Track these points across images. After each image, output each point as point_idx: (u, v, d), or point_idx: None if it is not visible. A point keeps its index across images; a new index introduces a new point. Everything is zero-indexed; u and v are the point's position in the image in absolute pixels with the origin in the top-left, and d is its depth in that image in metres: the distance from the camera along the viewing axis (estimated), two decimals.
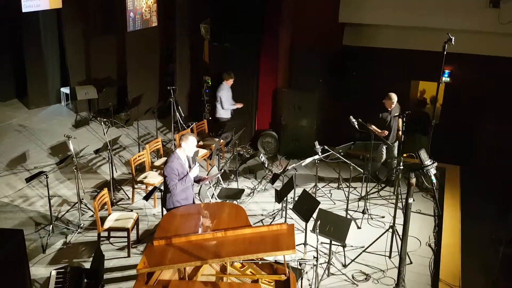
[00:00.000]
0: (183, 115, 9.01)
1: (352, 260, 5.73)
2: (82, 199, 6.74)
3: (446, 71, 8.33)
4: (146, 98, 9.37)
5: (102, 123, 7.43)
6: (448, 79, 8.45)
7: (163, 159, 7.55)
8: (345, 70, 9.07)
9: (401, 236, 4.51)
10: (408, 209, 3.37)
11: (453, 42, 6.17)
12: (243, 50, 8.55)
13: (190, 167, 5.36)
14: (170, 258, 4.16)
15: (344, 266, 5.67)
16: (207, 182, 6.10)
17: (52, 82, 10.07)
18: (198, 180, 5.56)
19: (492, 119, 8.25)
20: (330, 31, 8.56)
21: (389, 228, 5.82)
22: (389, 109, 7.23)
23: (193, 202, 5.51)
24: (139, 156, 7.12)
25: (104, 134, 7.19)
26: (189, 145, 5.26)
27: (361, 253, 5.82)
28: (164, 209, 5.50)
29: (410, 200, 3.36)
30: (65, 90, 10.09)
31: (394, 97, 7.16)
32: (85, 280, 4.27)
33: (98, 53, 9.83)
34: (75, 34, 9.52)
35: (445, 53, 6.30)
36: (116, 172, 7.78)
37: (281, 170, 7.11)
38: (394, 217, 5.73)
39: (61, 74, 10.17)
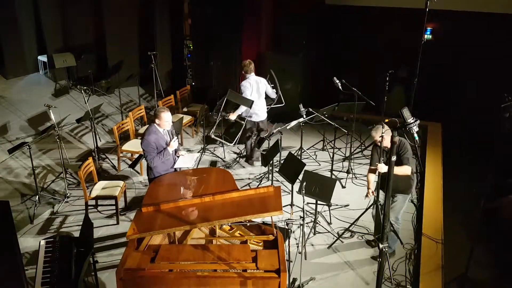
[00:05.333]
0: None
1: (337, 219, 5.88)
2: (67, 168, 6.69)
3: (428, 28, 8.29)
4: (126, 65, 9.17)
5: (83, 91, 7.28)
6: (430, 36, 8.43)
7: (147, 126, 7.49)
8: (328, 30, 8.95)
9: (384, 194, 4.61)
10: (391, 167, 3.42)
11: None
12: (225, 12, 8.34)
13: (172, 138, 5.23)
14: (160, 223, 4.20)
15: (330, 224, 5.81)
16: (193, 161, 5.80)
17: (29, 50, 9.76)
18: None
19: (473, 76, 8.30)
20: None
21: None
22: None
23: None
24: (122, 124, 7.04)
25: (85, 103, 7.07)
26: (162, 121, 5.07)
27: (343, 207, 5.95)
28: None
29: (394, 158, 3.40)
30: (43, 58, 9.80)
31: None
32: (75, 249, 4.29)
33: (74, 18, 9.51)
34: None
35: (427, 10, 6.25)
36: (100, 141, 7.71)
37: (267, 134, 7.12)
38: (378, 175, 5.82)
39: (37, 42, 9.86)
